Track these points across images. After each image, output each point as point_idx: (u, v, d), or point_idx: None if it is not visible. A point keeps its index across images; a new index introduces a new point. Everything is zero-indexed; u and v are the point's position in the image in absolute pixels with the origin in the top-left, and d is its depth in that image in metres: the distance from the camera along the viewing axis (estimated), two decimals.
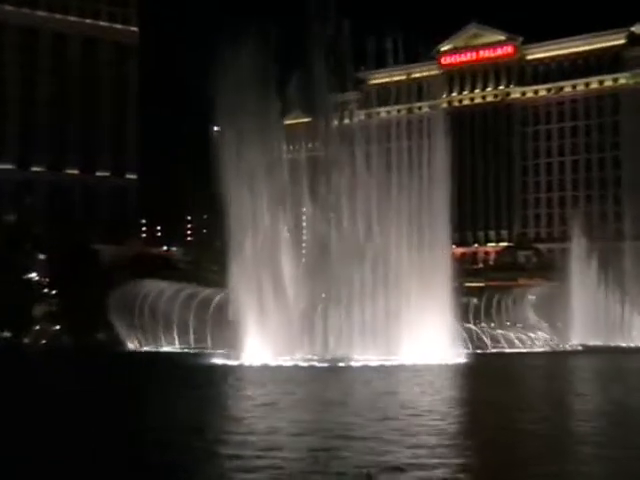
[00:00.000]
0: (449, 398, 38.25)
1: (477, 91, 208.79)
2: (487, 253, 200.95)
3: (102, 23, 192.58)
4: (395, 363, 62.23)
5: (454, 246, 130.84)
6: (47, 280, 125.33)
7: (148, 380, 51.38)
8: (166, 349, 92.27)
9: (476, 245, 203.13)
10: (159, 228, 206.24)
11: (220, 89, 67.50)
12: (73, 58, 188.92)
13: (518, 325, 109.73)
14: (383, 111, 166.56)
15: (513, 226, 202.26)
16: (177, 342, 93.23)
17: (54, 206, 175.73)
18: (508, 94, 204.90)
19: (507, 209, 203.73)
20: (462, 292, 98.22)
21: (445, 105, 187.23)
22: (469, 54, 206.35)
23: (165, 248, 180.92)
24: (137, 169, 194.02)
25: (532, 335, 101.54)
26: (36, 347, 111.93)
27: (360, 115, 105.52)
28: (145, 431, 27.34)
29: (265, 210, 69.68)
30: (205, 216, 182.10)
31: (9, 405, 36.41)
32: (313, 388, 43.92)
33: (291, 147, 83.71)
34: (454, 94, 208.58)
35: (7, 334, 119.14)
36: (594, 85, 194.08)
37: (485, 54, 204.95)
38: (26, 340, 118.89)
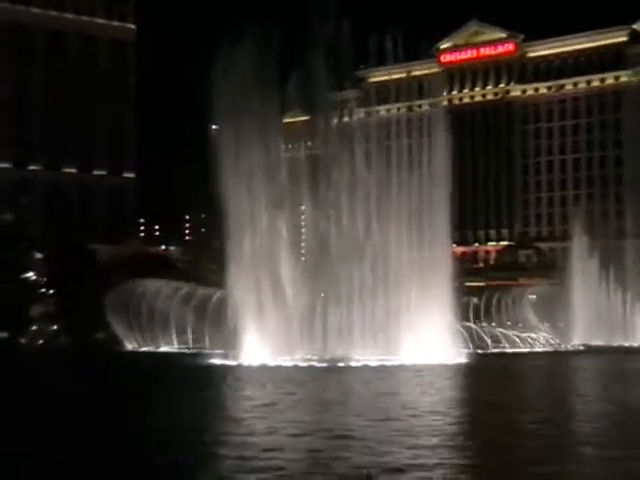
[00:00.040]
0: (450, 398, 38.09)
1: (477, 89, 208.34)
2: (488, 252, 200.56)
3: (99, 20, 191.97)
4: (395, 363, 62.21)
5: (454, 245, 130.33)
6: (44, 280, 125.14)
7: (147, 381, 51.31)
8: (164, 349, 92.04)
9: (477, 244, 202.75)
10: (157, 227, 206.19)
11: (218, 87, 67.26)
12: (69, 56, 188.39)
13: (519, 325, 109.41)
14: (383, 109, 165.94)
15: (514, 225, 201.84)
16: (175, 342, 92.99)
17: (51, 205, 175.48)
18: (509, 92, 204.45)
19: (508, 208, 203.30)
20: (462, 292, 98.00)
21: (445, 103, 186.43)
22: (470, 52, 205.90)
23: (163, 247, 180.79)
24: (135, 168, 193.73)
25: (533, 335, 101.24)
26: (33, 347, 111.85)
27: (360, 113, 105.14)
28: (144, 432, 27.29)
29: (264, 209, 69.32)
30: (203, 215, 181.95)
31: (10, 406, 36.44)
32: (313, 388, 43.88)
33: (290, 146, 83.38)
34: (454, 92, 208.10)
35: (4, 334, 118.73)
36: (596, 83, 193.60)
37: (486, 52, 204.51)
38: (23, 340, 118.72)
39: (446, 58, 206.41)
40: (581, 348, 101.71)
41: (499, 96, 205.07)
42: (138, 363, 74.36)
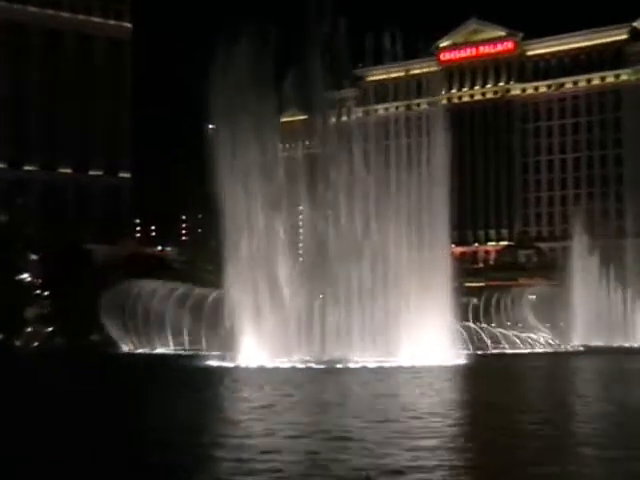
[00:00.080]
0: (449, 400, 37.98)
1: (477, 88, 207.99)
2: (487, 252, 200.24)
3: (95, 19, 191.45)
4: (394, 364, 61.84)
5: (454, 245, 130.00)
6: (39, 281, 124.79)
7: (143, 383, 51.16)
8: (160, 351, 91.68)
9: (476, 244, 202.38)
10: (153, 227, 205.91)
11: (215, 86, 66.77)
12: (65, 55, 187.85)
13: (519, 325, 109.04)
14: (381, 108, 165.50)
15: (514, 225, 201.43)
16: (171, 344, 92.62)
17: (47, 205, 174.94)
18: (508, 91, 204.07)
19: (508, 207, 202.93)
20: (462, 292, 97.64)
21: (444, 102, 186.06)
22: (469, 50, 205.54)
23: (159, 248, 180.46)
24: (131, 168, 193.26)
25: (533, 336, 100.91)
26: (28, 349, 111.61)
27: (358, 112, 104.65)
28: (141, 434, 27.24)
29: (261, 210, 68.86)
30: (200, 215, 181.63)
31: (6, 407, 36.40)
32: (311, 390, 43.74)
33: (287, 145, 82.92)
34: (453, 91, 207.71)
35: None
36: (595, 81, 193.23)
37: (485, 50, 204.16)
38: (18, 342, 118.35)
39: (445, 56, 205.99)
40: (581, 349, 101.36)
41: (498, 95, 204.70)
42: (134, 365, 74.26)
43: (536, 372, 62.96)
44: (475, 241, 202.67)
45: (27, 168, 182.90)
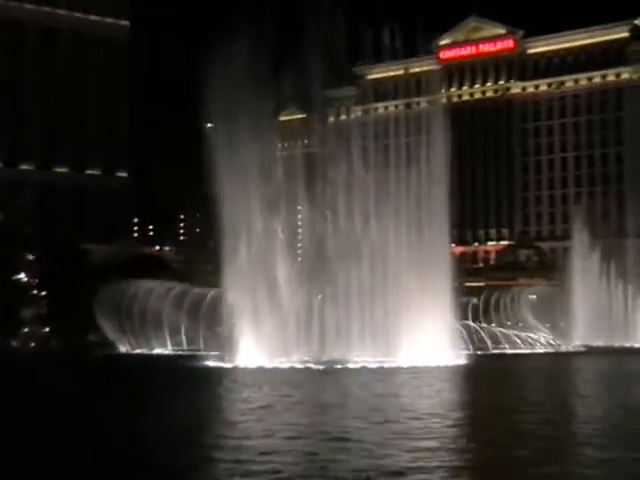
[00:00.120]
0: (449, 400, 38.08)
1: (477, 86, 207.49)
2: (487, 252, 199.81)
3: (92, 17, 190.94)
4: (393, 365, 61.64)
5: (454, 245, 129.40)
6: (36, 281, 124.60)
7: (141, 384, 51.06)
8: (158, 351, 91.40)
9: (476, 244, 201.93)
10: (151, 227, 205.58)
11: (213, 85, 66.33)
12: (62, 53, 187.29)
13: (519, 325, 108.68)
14: (380, 107, 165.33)
15: (514, 224, 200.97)
16: (169, 344, 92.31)
17: (43, 205, 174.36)
18: (508, 89, 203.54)
19: (508, 207, 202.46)
20: (462, 292, 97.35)
21: (444, 100, 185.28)
22: (469, 48, 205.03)
23: (157, 248, 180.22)
24: (128, 167, 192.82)
25: (533, 335, 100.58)
26: (25, 350, 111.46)
27: (357, 111, 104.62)
28: (139, 435, 27.16)
29: (259, 209, 68.53)
30: (198, 215, 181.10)
31: (4, 409, 36.50)
32: (310, 390, 43.68)
33: (286, 144, 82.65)
34: (453, 89, 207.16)
35: None
36: (597, 80, 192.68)
37: (485, 48, 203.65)
38: (15, 343, 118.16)
39: (445, 54, 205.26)
40: (582, 349, 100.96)
41: (499, 93, 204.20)
42: (132, 365, 74.23)
43: (537, 372, 62.89)
44: (475, 241, 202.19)
45: (23, 167, 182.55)
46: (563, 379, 55.31)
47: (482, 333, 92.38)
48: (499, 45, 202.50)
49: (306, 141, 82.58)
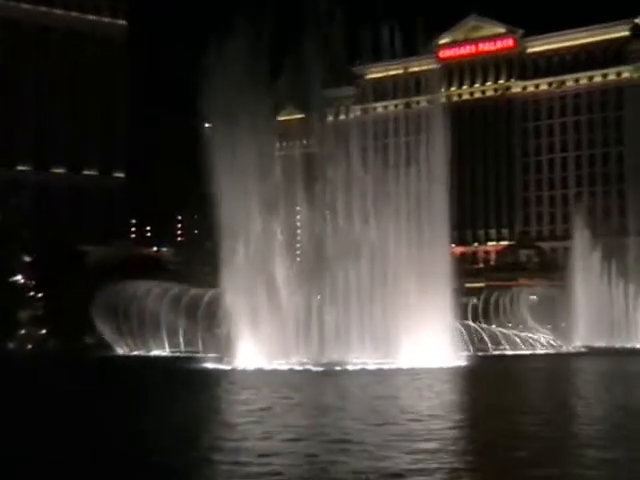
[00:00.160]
0: (449, 402, 37.93)
1: (477, 85, 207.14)
2: (487, 252, 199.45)
3: (89, 16, 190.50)
4: (393, 366, 61.35)
5: (453, 245, 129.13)
6: (33, 283, 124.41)
7: (139, 386, 50.92)
8: (155, 353, 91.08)
9: (476, 244, 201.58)
10: (149, 228, 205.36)
11: (211, 85, 65.98)
12: (58, 53, 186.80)
13: (520, 326, 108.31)
14: (380, 106, 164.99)
15: (514, 224, 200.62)
16: (167, 346, 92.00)
17: (40, 206, 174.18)
18: (508, 88, 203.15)
19: (508, 207, 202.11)
20: (462, 293, 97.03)
21: (444, 100, 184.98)
22: (468, 47, 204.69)
23: (155, 249, 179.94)
24: (126, 167, 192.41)
25: (534, 336, 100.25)
26: (22, 352, 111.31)
27: (356, 111, 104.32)
28: (137, 436, 27.16)
29: (257, 210, 68.16)
30: (196, 216, 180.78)
31: (2, 410, 36.54)
32: (309, 392, 43.58)
33: (285, 144, 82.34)
34: (453, 88, 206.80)
35: None
36: (597, 79, 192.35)
37: (485, 47, 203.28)
38: (11, 345, 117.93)
39: (444, 54, 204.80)
40: (583, 350, 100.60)
41: (499, 93, 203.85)
42: (129, 367, 74.02)
43: (537, 373, 62.70)
44: (475, 241, 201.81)
45: (20, 168, 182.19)
46: (564, 380, 55.08)
47: (482, 333, 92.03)
48: (499, 44, 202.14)
49: (305, 141, 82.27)
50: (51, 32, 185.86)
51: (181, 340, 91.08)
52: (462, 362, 65.11)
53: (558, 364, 74.94)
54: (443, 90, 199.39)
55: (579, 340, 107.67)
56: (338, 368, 60.31)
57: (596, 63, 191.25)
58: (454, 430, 27.58)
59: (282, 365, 61.84)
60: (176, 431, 27.84)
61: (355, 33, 75.12)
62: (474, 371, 59.98)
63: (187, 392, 43.83)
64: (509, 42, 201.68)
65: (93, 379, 59.49)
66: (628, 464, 21.11)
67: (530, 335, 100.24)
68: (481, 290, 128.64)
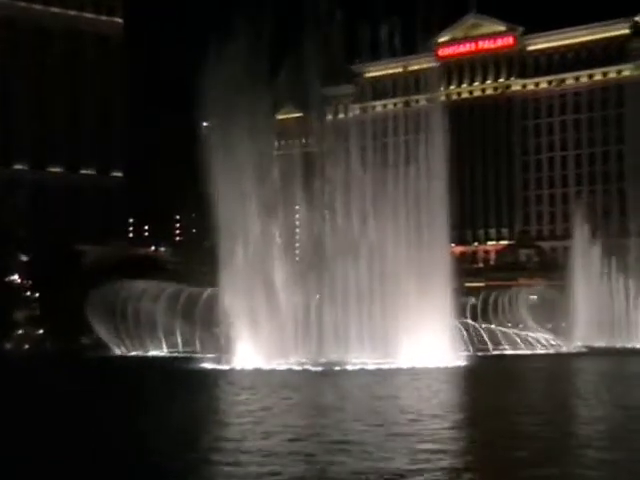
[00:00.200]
0: (449, 402, 37.99)
1: (476, 84, 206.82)
2: (487, 252, 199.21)
3: (86, 15, 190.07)
4: (392, 366, 61.23)
5: (453, 245, 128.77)
6: (29, 282, 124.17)
7: (137, 386, 50.82)
8: (153, 353, 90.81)
9: (476, 244, 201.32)
10: (146, 228, 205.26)
11: (209, 84, 65.72)
12: (55, 51, 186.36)
13: (520, 326, 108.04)
14: (379, 105, 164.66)
15: (514, 223, 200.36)
16: (164, 346, 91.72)
17: (37, 205, 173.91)
18: (508, 87, 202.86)
19: (508, 206, 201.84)
20: (462, 292, 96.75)
21: (443, 98, 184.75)
22: (468, 45, 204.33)
23: (153, 248, 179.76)
24: (123, 167, 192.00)
25: (534, 335, 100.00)
26: (19, 352, 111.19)
27: (355, 109, 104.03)
28: (136, 437, 27.12)
29: (256, 209, 67.90)
30: (194, 215, 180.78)
31: (0, 411, 36.67)
32: (308, 392, 43.60)
33: (283, 143, 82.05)
34: (452, 87, 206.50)
35: None
36: (597, 77, 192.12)
37: (484, 45, 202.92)
38: (8, 345, 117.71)
39: (444, 52, 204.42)
40: (583, 350, 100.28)
41: (498, 91, 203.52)
42: (127, 368, 73.94)
43: (537, 373, 62.57)
44: (475, 240, 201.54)
45: (17, 167, 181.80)
46: (564, 380, 55.02)
47: (482, 333, 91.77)
48: (499, 42, 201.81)
49: (304, 140, 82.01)
50: (47, 30, 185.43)
51: (179, 340, 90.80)
52: (462, 362, 64.96)
53: (558, 364, 74.77)
54: (442, 88, 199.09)
55: (579, 340, 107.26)
56: (337, 368, 60.20)
57: (596, 61, 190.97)
58: (454, 430, 27.57)
59: (281, 365, 61.67)
60: (175, 432, 28.01)
61: (354, 31, 74.95)
62: (474, 371, 59.84)
63: (186, 392, 43.80)
64: (509, 40, 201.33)
65: (91, 380, 59.49)
66: (628, 464, 21.06)
67: (529, 334, 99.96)
68: (481, 290, 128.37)
